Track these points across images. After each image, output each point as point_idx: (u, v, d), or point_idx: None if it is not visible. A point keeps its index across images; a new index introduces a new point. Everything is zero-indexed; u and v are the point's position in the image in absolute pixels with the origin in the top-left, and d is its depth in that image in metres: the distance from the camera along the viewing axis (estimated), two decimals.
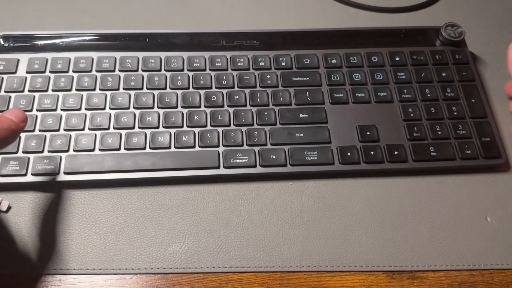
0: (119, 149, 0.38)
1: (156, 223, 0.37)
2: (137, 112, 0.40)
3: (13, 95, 0.40)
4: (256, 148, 0.39)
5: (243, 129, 0.39)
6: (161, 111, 0.40)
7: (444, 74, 0.43)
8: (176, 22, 0.49)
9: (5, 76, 0.41)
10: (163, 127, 0.39)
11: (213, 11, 0.50)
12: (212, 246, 0.36)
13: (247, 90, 0.42)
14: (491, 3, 0.52)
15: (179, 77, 0.42)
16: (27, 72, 0.41)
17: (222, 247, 0.36)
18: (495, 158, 0.39)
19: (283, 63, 0.43)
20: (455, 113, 0.41)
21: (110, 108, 0.40)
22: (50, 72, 0.41)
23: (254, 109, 0.41)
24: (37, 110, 0.39)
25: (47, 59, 0.42)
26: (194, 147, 0.38)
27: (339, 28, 0.46)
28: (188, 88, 0.41)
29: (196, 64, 0.43)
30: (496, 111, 0.43)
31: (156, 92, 0.41)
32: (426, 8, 0.52)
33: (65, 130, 0.39)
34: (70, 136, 0.38)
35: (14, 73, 0.41)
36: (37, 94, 0.40)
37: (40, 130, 0.38)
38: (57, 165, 0.37)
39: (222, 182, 0.38)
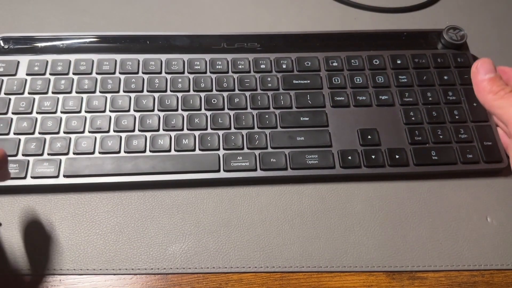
0: (119, 152, 0.38)
1: (156, 224, 0.36)
2: (137, 114, 0.40)
3: (13, 97, 0.40)
4: (257, 152, 0.38)
5: (244, 132, 0.39)
6: (162, 114, 0.40)
7: (445, 77, 0.43)
8: (176, 22, 0.49)
9: (5, 78, 0.41)
10: (164, 130, 0.39)
11: (213, 13, 0.50)
12: (212, 246, 0.36)
13: (247, 93, 0.41)
14: (491, 3, 0.52)
15: (180, 80, 0.42)
16: (27, 74, 0.41)
17: (222, 247, 0.36)
18: (496, 162, 0.39)
19: (284, 66, 0.43)
20: (456, 117, 0.41)
21: (110, 111, 0.40)
22: (50, 74, 0.41)
23: (254, 112, 0.40)
24: (37, 113, 0.39)
25: (47, 61, 0.42)
26: (194, 150, 0.38)
27: (340, 31, 0.46)
28: (188, 90, 0.41)
29: (196, 67, 0.43)
30: None
31: (156, 95, 0.41)
32: (426, 8, 0.52)
33: (65, 132, 0.38)
34: (70, 138, 0.38)
35: (14, 75, 0.41)
36: (37, 97, 0.40)
37: (39, 133, 0.38)
38: (57, 168, 0.37)
39: (222, 185, 0.38)
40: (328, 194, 0.38)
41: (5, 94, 0.40)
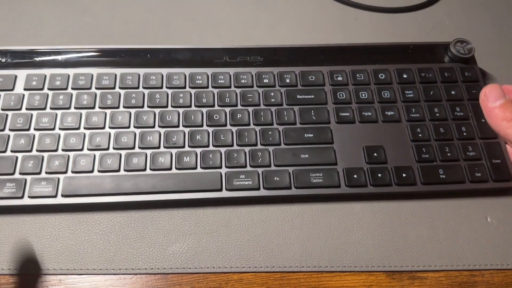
0: (118, 170, 0.37)
1: (156, 224, 0.36)
2: (137, 131, 0.39)
3: (10, 113, 0.39)
4: (260, 170, 0.37)
5: (246, 149, 0.38)
6: (162, 131, 0.39)
7: (453, 92, 0.42)
8: (177, 22, 0.48)
9: (2, 93, 0.40)
10: (164, 147, 0.38)
11: (212, 15, 0.49)
12: (212, 246, 0.36)
13: (250, 109, 0.40)
14: (492, 2, 0.52)
15: (181, 95, 0.41)
16: (25, 89, 0.40)
17: (222, 247, 0.36)
18: (506, 181, 0.38)
19: (287, 80, 0.42)
20: (464, 134, 0.40)
21: (110, 127, 0.39)
22: (49, 89, 0.40)
23: (257, 128, 0.40)
24: (35, 129, 0.38)
25: (45, 76, 0.41)
26: (196, 168, 0.37)
27: (345, 44, 0.45)
28: (190, 106, 0.40)
29: (198, 81, 0.42)
30: None
31: (157, 111, 0.40)
32: (426, 8, 0.51)
33: (63, 150, 0.37)
34: (69, 156, 0.37)
35: (12, 90, 0.40)
36: (34, 113, 0.39)
37: (37, 150, 0.37)
38: (55, 187, 0.36)
39: (224, 205, 0.37)
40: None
41: (2, 110, 0.39)
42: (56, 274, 0.34)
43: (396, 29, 0.49)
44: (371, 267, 0.35)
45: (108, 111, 0.40)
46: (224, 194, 0.37)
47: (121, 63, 0.42)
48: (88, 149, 0.38)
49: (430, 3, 0.52)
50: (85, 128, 0.39)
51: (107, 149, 0.38)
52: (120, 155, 0.37)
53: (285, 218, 0.37)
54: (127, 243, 0.35)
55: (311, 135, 0.39)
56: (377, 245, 0.36)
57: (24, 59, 0.42)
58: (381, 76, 0.43)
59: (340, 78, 0.43)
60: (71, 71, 0.41)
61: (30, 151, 0.37)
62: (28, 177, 0.36)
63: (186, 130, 0.39)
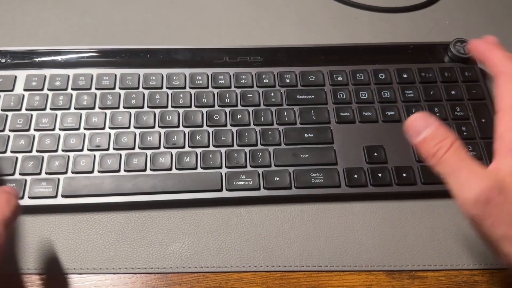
0: (118, 171, 0.37)
1: (156, 223, 0.36)
2: (137, 131, 0.39)
3: (10, 114, 0.39)
4: (260, 170, 0.37)
5: (247, 149, 0.38)
6: (162, 131, 0.39)
7: (453, 92, 0.42)
8: (177, 22, 0.48)
9: (2, 94, 0.40)
10: (164, 147, 0.38)
11: (211, 16, 0.49)
12: (212, 245, 0.36)
13: (250, 109, 0.40)
14: (491, 2, 0.52)
15: (181, 95, 0.41)
16: (25, 90, 0.40)
17: (222, 246, 0.36)
18: None
19: (287, 80, 0.42)
20: (465, 133, 0.40)
21: (110, 128, 0.39)
22: (48, 89, 0.40)
23: (258, 128, 0.39)
24: (35, 130, 0.38)
25: (45, 76, 0.41)
26: (196, 168, 0.37)
27: (345, 44, 0.45)
28: (190, 106, 0.40)
29: (198, 82, 0.42)
30: None
31: (157, 111, 0.40)
32: (426, 8, 0.51)
33: (63, 150, 0.37)
34: (69, 157, 0.37)
35: (11, 90, 0.40)
36: (34, 113, 0.39)
37: (37, 151, 0.37)
38: (55, 187, 0.36)
39: (225, 205, 0.37)
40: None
41: (2, 110, 0.39)
42: (56, 274, 0.34)
43: (396, 29, 0.49)
44: (371, 266, 0.35)
45: (108, 112, 0.40)
46: (224, 194, 0.36)
47: (121, 64, 0.42)
48: (88, 150, 0.38)
49: (430, 3, 0.52)
50: (85, 128, 0.39)
51: (107, 149, 0.38)
52: (120, 155, 0.37)
53: (285, 218, 0.37)
54: (127, 242, 0.35)
55: (311, 135, 0.39)
56: (377, 245, 0.36)
57: (24, 59, 0.42)
58: (381, 76, 0.43)
59: (340, 78, 0.43)
60: (71, 72, 0.41)
61: (30, 151, 0.37)
62: (28, 178, 0.36)
63: (186, 130, 0.39)
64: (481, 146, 0.39)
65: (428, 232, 0.37)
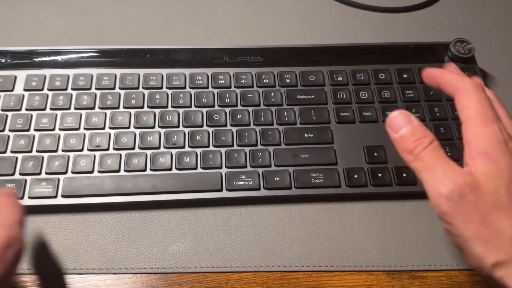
0: (118, 171, 0.37)
1: (156, 223, 0.36)
2: (137, 131, 0.39)
3: (10, 114, 0.39)
4: (260, 170, 0.37)
5: (247, 149, 0.38)
6: (162, 131, 0.39)
7: None
8: (177, 22, 0.48)
9: (2, 94, 0.40)
10: (164, 147, 0.38)
11: (211, 16, 0.49)
12: (212, 245, 0.36)
13: (250, 109, 0.40)
14: (491, 2, 0.52)
15: (181, 95, 0.41)
16: (25, 90, 0.40)
17: (222, 246, 0.36)
18: None
19: (287, 80, 0.42)
20: None
21: (110, 128, 0.39)
22: (48, 89, 0.40)
23: (258, 128, 0.39)
24: (35, 130, 0.38)
25: (45, 76, 0.41)
26: (196, 168, 0.37)
27: (345, 44, 0.45)
28: (190, 106, 0.40)
29: (198, 82, 0.42)
30: None
31: (157, 111, 0.40)
32: (426, 8, 0.51)
33: (63, 151, 0.37)
34: (69, 157, 0.37)
35: (11, 90, 0.40)
36: (34, 113, 0.39)
37: (37, 151, 0.37)
38: (55, 188, 0.36)
39: (225, 205, 0.37)
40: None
41: (2, 110, 0.39)
42: (56, 274, 0.34)
43: (396, 29, 0.49)
44: (371, 266, 0.35)
45: (108, 112, 0.40)
46: (224, 194, 0.36)
47: (121, 64, 0.42)
48: (88, 150, 0.38)
49: (430, 3, 0.52)
50: (85, 128, 0.39)
51: (107, 149, 0.38)
52: (120, 155, 0.37)
53: (285, 218, 0.37)
54: (127, 242, 0.35)
55: (311, 135, 0.39)
56: (377, 245, 0.36)
57: (23, 59, 0.42)
58: (381, 76, 0.43)
59: (340, 78, 0.43)
60: (71, 72, 0.41)
61: (30, 151, 0.37)
62: (28, 178, 0.36)
63: (186, 130, 0.39)
64: None
65: (428, 232, 0.37)
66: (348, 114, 0.41)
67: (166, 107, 0.40)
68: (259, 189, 0.37)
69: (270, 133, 0.39)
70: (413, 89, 0.42)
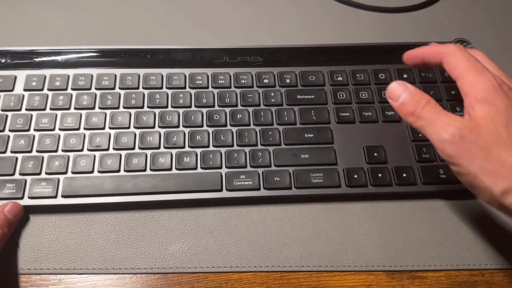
0: (118, 171, 0.37)
1: (156, 223, 0.36)
2: (137, 132, 0.39)
3: (10, 114, 0.39)
4: (260, 170, 0.37)
5: (247, 149, 0.38)
6: (162, 131, 0.39)
7: (453, 92, 0.42)
8: (177, 22, 0.48)
9: (2, 94, 0.40)
10: (164, 147, 0.38)
11: (211, 17, 0.49)
12: (212, 246, 0.36)
13: (250, 109, 0.40)
14: (491, 2, 0.52)
15: (181, 95, 0.41)
16: (25, 90, 0.40)
17: (222, 247, 0.36)
18: None
19: (287, 80, 0.42)
20: None
21: (110, 128, 0.39)
22: (48, 89, 0.40)
23: (258, 128, 0.39)
24: (35, 130, 0.38)
25: (45, 76, 0.41)
26: (196, 168, 0.37)
27: (345, 44, 0.45)
28: (190, 106, 0.40)
29: (198, 82, 0.42)
30: None
31: (157, 111, 0.40)
32: (426, 8, 0.51)
33: (63, 151, 0.37)
34: (69, 157, 0.37)
35: (11, 90, 0.40)
36: (34, 113, 0.39)
37: (37, 151, 0.37)
38: (55, 188, 0.36)
39: (225, 205, 0.37)
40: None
41: (2, 110, 0.39)
42: (56, 274, 0.34)
43: (396, 29, 0.49)
44: (371, 266, 0.35)
45: (108, 112, 0.39)
46: (224, 194, 0.36)
47: (121, 64, 0.42)
48: (88, 150, 0.38)
49: (430, 3, 0.52)
50: (85, 128, 0.39)
51: (107, 149, 0.38)
52: (120, 155, 0.37)
53: (285, 218, 0.37)
54: (127, 242, 0.35)
55: (311, 135, 0.39)
56: (377, 245, 0.36)
57: (23, 59, 0.42)
58: (381, 76, 0.43)
59: (340, 78, 0.43)
60: (71, 72, 0.41)
61: (30, 151, 0.37)
62: (28, 178, 0.36)
63: (186, 130, 0.39)
64: None
65: (428, 232, 0.37)
66: (348, 114, 0.41)
67: (166, 107, 0.40)
68: (259, 189, 0.37)
69: (270, 133, 0.39)
70: None
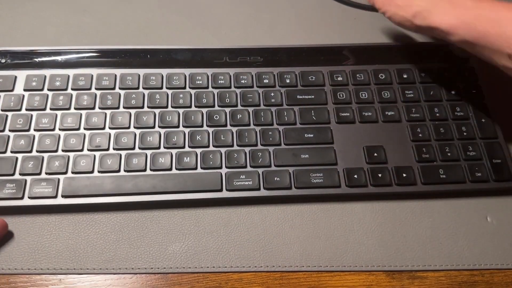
0: (118, 171, 0.37)
1: (156, 223, 0.36)
2: (137, 132, 0.39)
3: (10, 114, 0.39)
4: (260, 170, 0.37)
5: (247, 149, 0.38)
6: (162, 131, 0.39)
7: (453, 92, 0.42)
8: (177, 22, 0.48)
9: (2, 94, 0.40)
10: (164, 147, 0.38)
11: (211, 17, 0.49)
12: (212, 246, 0.36)
13: (250, 109, 0.40)
14: None
15: (181, 95, 0.41)
16: (25, 90, 0.40)
17: (222, 247, 0.36)
18: (506, 181, 0.38)
19: (287, 81, 0.42)
20: (464, 134, 0.40)
21: (110, 128, 0.39)
22: (48, 90, 0.40)
23: (258, 128, 0.39)
24: (35, 130, 0.38)
25: (45, 76, 0.41)
26: (196, 168, 0.37)
27: (345, 44, 0.45)
28: (190, 106, 0.40)
29: (198, 82, 0.42)
30: (507, 131, 0.41)
31: (157, 111, 0.40)
32: None
33: (63, 151, 0.37)
34: (69, 157, 0.37)
35: (11, 90, 0.40)
36: (34, 113, 0.39)
37: (37, 151, 0.37)
38: (55, 188, 0.36)
39: (225, 205, 0.37)
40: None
41: (2, 110, 0.39)
42: (56, 274, 0.34)
43: (396, 29, 0.49)
44: (371, 266, 0.35)
45: (108, 112, 0.40)
46: (224, 194, 0.36)
47: (121, 64, 0.42)
48: (88, 150, 0.38)
49: None
50: (85, 128, 0.39)
51: (107, 149, 0.38)
52: (120, 155, 0.37)
53: (285, 218, 0.37)
54: (127, 242, 0.35)
55: (311, 135, 0.39)
56: (377, 245, 0.36)
57: (24, 59, 0.42)
58: (381, 76, 0.43)
59: (340, 78, 0.43)
60: (71, 72, 0.41)
61: (30, 151, 0.37)
62: (28, 178, 0.36)
63: (186, 130, 0.39)
64: (481, 146, 0.39)
65: (428, 232, 0.37)
66: (348, 114, 0.41)
67: (166, 107, 0.40)
68: (259, 189, 0.37)
69: (270, 133, 0.39)
70: (413, 89, 0.42)
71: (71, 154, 0.37)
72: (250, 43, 0.46)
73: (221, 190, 0.37)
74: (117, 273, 0.34)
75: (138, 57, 0.43)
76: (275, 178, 0.37)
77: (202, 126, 0.39)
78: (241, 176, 0.37)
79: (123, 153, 0.38)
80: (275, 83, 0.42)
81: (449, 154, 0.39)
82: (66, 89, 0.40)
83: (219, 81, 0.42)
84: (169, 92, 0.41)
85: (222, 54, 0.44)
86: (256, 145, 0.39)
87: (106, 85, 0.41)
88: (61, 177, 0.36)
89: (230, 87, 0.42)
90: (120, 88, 0.41)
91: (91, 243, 0.35)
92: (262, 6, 0.51)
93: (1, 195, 0.35)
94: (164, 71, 0.42)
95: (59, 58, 0.42)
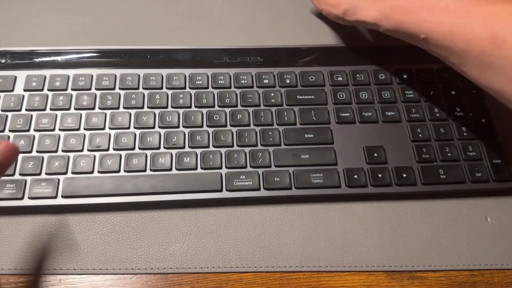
0: (118, 171, 0.37)
1: (156, 223, 0.36)
2: (137, 132, 0.39)
3: (10, 114, 0.39)
4: (260, 170, 0.37)
5: (247, 150, 0.38)
6: (162, 131, 0.39)
7: (453, 92, 0.42)
8: (177, 22, 0.48)
9: (1, 94, 0.40)
10: (164, 148, 0.38)
11: (211, 17, 0.49)
12: (212, 246, 0.36)
13: (250, 109, 0.40)
14: None
15: (181, 96, 0.41)
16: (25, 90, 0.40)
17: (222, 247, 0.36)
18: (506, 181, 0.38)
19: (287, 81, 0.42)
20: (464, 134, 0.40)
21: (110, 128, 0.39)
22: (48, 90, 0.40)
23: (257, 128, 0.39)
24: (35, 130, 0.38)
25: (45, 76, 0.41)
26: (196, 169, 0.37)
27: (345, 44, 0.45)
28: (190, 107, 0.40)
29: (198, 82, 0.42)
30: (507, 131, 0.41)
31: (157, 111, 0.40)
32: None
33: (63, 151, 0.37)
34: (69, 157, 0.37)
35: (11, 91, 0.40)
36: (34, 114, 0.39)
37: (37, 151, 0.37)
38: (55, 188, 0.36)
39: (225, 205, 0.37)
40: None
41: (2, 111, 0.39)
42: (56, 274, 0.34)
43: None
44: (371, 267, 0.35)
45: (108, 112, 0.39)
46: (224, 194, 0.36)
47: (121, 64, 0.42)
48: (88, 150, 0.38)
49: None
50: (85, 129, 0.39)
51: (107, 149, 0.38)
52: (120, 155, 0.37)
53: (285, 218, 0.37)
54: (127, 243, 0.35)
55: (311, 136, 0.39)
56: (377, 245, 0.36)
57: (23, 60, 0.42)
58: (381, 76, 0.43)
59: (340, 78, 0.43)
60: (71, 72, 0.41)
61: (30, 152, 0.37)
62: (28, 178, 0.36)
63: (186, 130, 0.39)
64: (481, 146, 0.39)
65: (428, 232, 0.37)
66: (348, 114, 0.41)
67: (166, 107, 0.40)
68: (259, 189, 0.37)
69: (270, 133, 0.39)
70: (413, 89, 0.42)
71: (71, 155, 0.37)
72: (250, 43, 0.46)
73: (221, 190, 0.37)
74: (117, 273, 0.34)
75: (138, 57, 0.43)
76: (275, 178, 0.37)
77: (202, 126, 0.39)
78: (241, 177, 0.37)
79: (123, 153, 0.38)
80: (275, 83, 0.42)
81: (449, 154, 0.39)
82: (66, 89, 0.40)
83: (219, 81, 0.42)
84: (169, 92, 0.41)
85: (222, 54, 0.44)
86: (256, 145, 0.39)
87: (106, 85, 0.41)
88: (61, 177, 0.36)
89: (230, 87, 0.42)
90: (120, 88, 0.41)
91: (91, 243, 0.35)
92: (262, 6, 0.51)
93: (1, 195, 0.35)
94: (164, 71, 0.42)
95: (59, 58, 0.42)
